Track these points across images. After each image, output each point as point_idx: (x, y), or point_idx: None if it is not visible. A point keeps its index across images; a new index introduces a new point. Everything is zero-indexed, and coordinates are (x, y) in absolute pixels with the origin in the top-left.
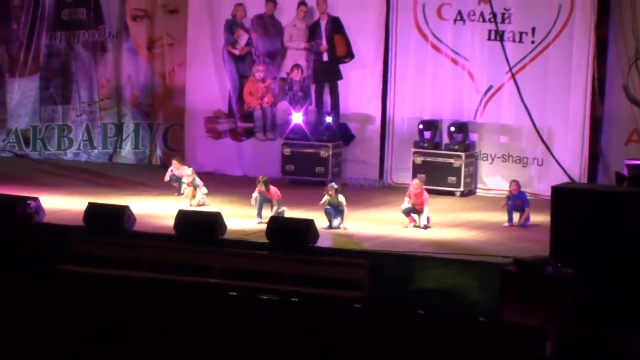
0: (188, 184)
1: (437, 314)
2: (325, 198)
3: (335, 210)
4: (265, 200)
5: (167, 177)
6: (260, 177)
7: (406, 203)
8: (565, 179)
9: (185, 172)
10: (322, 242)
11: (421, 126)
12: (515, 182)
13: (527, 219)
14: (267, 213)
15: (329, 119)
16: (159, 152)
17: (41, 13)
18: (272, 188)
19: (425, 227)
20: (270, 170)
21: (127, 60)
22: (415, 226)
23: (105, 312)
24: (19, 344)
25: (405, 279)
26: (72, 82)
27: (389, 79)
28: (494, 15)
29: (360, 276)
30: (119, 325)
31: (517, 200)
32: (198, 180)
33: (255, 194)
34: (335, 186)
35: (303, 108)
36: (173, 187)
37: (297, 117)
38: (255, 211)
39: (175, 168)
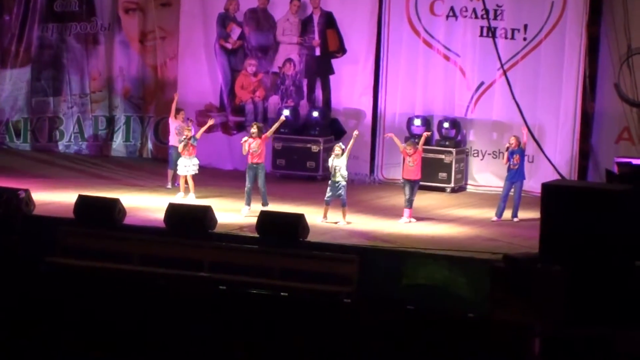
0: (187, 137)
1: (426, 310)
2: (332, 159)
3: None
4: (254, 175)
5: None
6: (255, 123)
7: (406, 189)
8: (556, 176)
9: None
10: (313, 237)
11: (414, 122)
12: (515, 137)
13: (516, 211)
14: (256, 207)
15: (315, 114)
16: (150, 145)
17: (33, 5)
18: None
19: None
20: None
21: (119, 53)
22: (407, 222)
23: (94, 305)
24: (6, 335)
25: (394, 274)
26: (63, 74)
27: (380, 74)
28: (487, 11)
29: (350, 271)
30: (108, 318)
31: (515, 155)
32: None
33: (246, 138)
34: (343, 146)
35: (294, 102)
36: (164, 179)
37: (286, 112)
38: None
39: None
